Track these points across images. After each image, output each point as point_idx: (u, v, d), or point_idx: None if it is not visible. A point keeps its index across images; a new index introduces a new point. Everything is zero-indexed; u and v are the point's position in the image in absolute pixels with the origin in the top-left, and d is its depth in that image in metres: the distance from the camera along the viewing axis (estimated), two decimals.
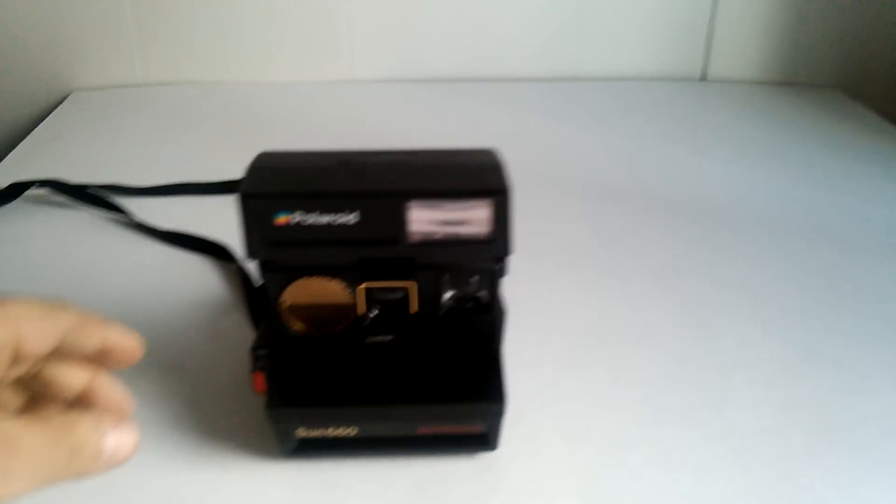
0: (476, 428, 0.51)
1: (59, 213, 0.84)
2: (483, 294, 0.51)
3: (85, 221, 0.82)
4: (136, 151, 0.99)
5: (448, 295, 0.51)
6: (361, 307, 0.50)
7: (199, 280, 0.73)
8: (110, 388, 0.42)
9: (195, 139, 1.03)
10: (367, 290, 0.49)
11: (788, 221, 0.86)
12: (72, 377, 0.40)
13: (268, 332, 0.51)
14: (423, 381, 0.50)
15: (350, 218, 0.44)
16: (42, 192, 0.85)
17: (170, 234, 0.78)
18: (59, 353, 0.39)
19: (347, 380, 0.50)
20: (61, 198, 0.84)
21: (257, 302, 0.67)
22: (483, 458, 0.53)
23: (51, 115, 1.12)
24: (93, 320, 0.40)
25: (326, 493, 0.50)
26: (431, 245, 0.46)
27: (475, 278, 0.51)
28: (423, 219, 0.45)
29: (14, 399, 0.41)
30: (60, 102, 1.17)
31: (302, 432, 0.50)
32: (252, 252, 0.45)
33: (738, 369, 0.62)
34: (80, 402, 0.41)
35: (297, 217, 0.44)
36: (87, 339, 0.39)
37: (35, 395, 0.41)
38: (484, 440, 0.52)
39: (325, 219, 0.44)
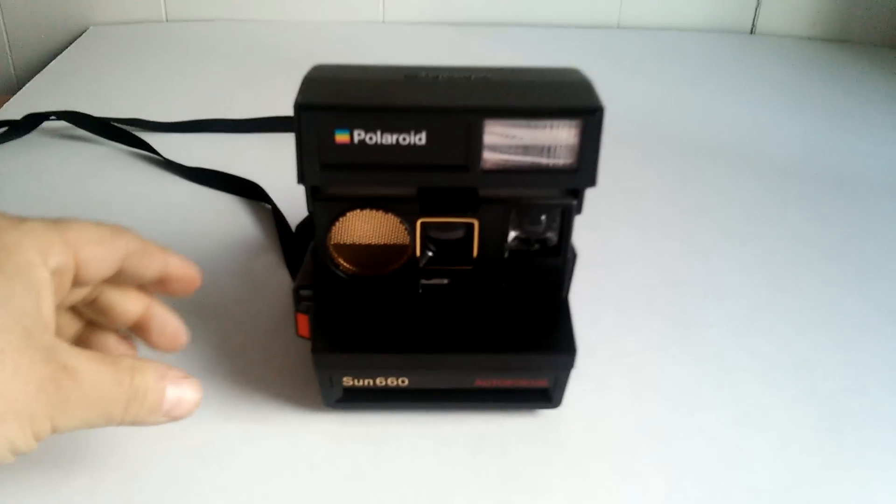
0: (540, 382, 0.47)
1: (78, 147, 0.78)
2: (551, 235, 0.46)
3: (106, 156, 0.77)
4: (158, 88, 0.94)
5: (512, 235, 0.46)
6: (417, 246, 0.45)
7: (228, 220, 0.68)
8: (165, 317, 0.42)
9: (219, 78, 0.97)
10: (424, 225, 0.44)
11: (855, 179, 0.80)
12: (129, 304, 0.40)
13: (313, 270, 0.46)
14: (483, 329, 0.45)
15: (416, 139, 0.39)
16: (61, 124, 0.80)
17: (197, 170, 0.73)
18: (118, 280, 0.39)
19: (399, 325, 0.45)
20: (81, 131, 0.79)
21: (292, 244, 0.62)
22: (545, 416, 0.49)
23: (67, 50, 1.06)
24: (153, 247, 0.39)
25: (373, 448, 0.46)
26: (504, 174, 0.41)
27: (543, 216, 0.46)
28: (500, 142, 0.39)
29: (71, 325, 0.41)
30: (78, 37, 1.11)
31: (348, 380, 0.46)
32: (305, 175, 0.40)
33: (815, 327, 0.57)
34: (136, 328, 0.41)
35: (358, 135, 0.39)
36: (147, 265, 0.39)
37: (91, 321, 0.41)
38: (546, 396, 0.47)
39: (388, 138, 0.39)
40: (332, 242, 0.45)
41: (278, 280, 0.59)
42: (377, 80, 0.41)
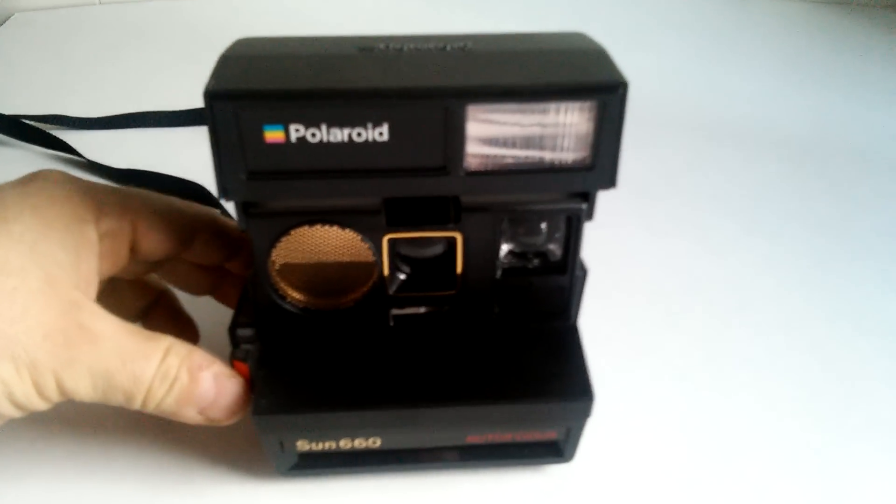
0: (548, 434, 0.37)
1: None
2: (553, 248, 0.37)
3: (21, 160, 0.66)
4: (84, 79, 0.82)
5: (505, 249, 0.37)
6: (385, 268, 0.35)
7: None
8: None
9: (156, 65, 0.85)
10: (393, 242, 0.34)
11: (874, 153, 0.71)
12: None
13: (253, 304, 0.36)
14: (473, 371, 0.35)
15: (376, 134, 0.29)
16: None
17: (128, 172, 0.62)
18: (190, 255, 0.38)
19: (366, 371, 0.35)
20: None
21: None
22: (554, 472, 0.39)
23: None
24: (230, 226, 0.39)
25: None
26: (495, 176, 0.31)
27: (543, 225, 0.36)
28: (489, 133, 0.29)
29: (136, 301, 0.41)
30: (0, 25, 0.99)
31: (304, 444, 0.36)
32: (228, 188, 0.30)
33: (866, 336, 0.48)
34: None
35: (295, 131, 0.28)
36: (220, 245, 0.39)
37: (153, 301, 0.42)
38: (556, 449, 0.38)
39: (338, 135, 0.28)
40: (277, 268, 0.35)
41: (225, 308, 0.48)
42: (320, 56, 0.31)
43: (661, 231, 0.58)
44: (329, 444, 0.36)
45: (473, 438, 0.37)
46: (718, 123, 0.75)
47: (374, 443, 0.36)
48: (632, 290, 0.51)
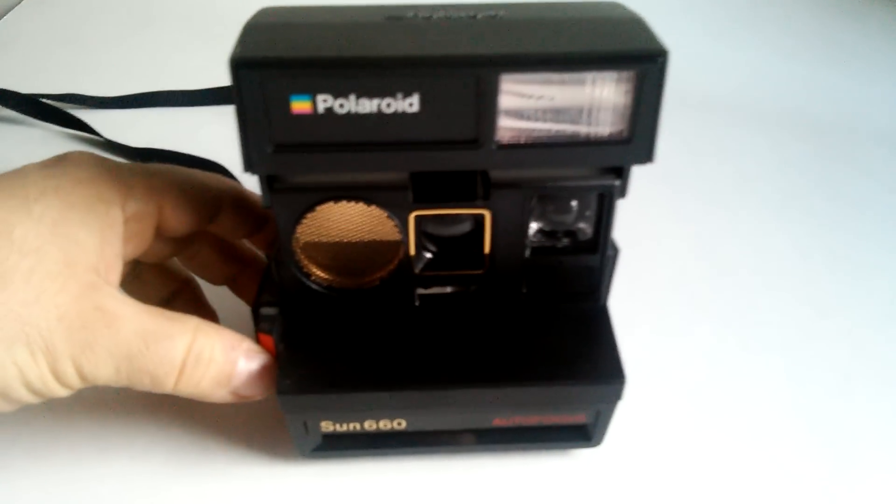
0: (577, 417, 0.36)
1: (5, 129, 0.66)
2: (583, 226, 0.36)
3: (37, 139, 0.65)
4: (99, 58, 0.81)
5: (534, 228, 0.36)
6: (411, 246, 0.34)
7: None
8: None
9: (171, 43, 0.84)
10: (420, 219, 0.34)
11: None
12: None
13: (277, 282, 0.35)
14: (501, 353, 0.35)
15: (406, 105, 0.28)
16: None
17: (145, 151, 0.61)
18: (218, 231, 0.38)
19: (392, 351, 0.34)
20: (6, 111, 0.67)
21: None
22: (581, 457, 0.38)
23: (2, 20, 0.94)
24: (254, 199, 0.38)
25: None
26: (526, 149, 0.30)
27: (574, 202, 0.35)
28: (522, 105, 0.28)
29: (160, 289, 0.40)
30: (17, 5, 0.98)
31: (328, 425, 0.35)
32: (253, 161, 0.29)
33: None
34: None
35: (323, 101, 0.27)
36: (245, 219, 0.38)
37: (177, 290, 0.41)
38: (584, 433, 0.37)
39: (367, 105, 0.27)
40: (301, 245, 0.34)
41: (241, 304, 0.48)
42: (348, 25, 0.29)
43: (687, 210, 0.57)
44: (353, 426, 0.35)
45: (500, 421, 0.36)
46: (742, 105, 0.73)
47: (399, 424, 0.35)
48: (658, 272, 0.50)
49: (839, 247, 0.53)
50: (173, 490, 0.36)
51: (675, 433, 0.40)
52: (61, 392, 0.30)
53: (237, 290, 0.42)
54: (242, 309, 0.39)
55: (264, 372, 0.33)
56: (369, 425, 0.35)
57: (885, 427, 0.40)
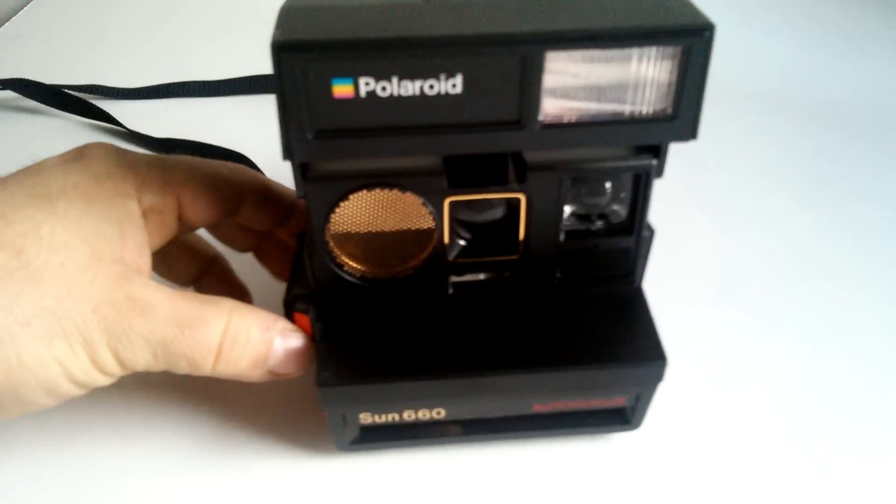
0: (617, 401, 0.36)
1: (28, 120, 0.66)
2: (617, 208, 0.35)
3: (61, 129, 0.65)
4: (121, 49, 0.81)
5: (567, 211, 0.35)
6: (445, 234, 0.34)
7: None
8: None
9: (192, 33, 0.84)
10: (454, 206, 0.33)
11: None
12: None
13: (311, 273, 0.34)
14: (539, 338, 0.34)
15: (449, 85, 0.27)
16: (7, 94, 0.68)
17: (169, 142, 0.61)
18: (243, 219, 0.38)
19: (428, 340, 0.34)
20: (31, 102, 0.67)
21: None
22: (619, 441, 0.38)
23: (23, 10, 0.93)
24: (279, 190, 0.39)
25: (403, 498, 0.35)
26: (568, 129, 0.29)
27: (609, 184, 0.34)
28: (566, 83, 0.28)
29: (189, 268, 0.41)
30: None
31: (367, 417, 0.35)
32: (293, 148, 0.28)
33: None
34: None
35: (365, 85, 0.27)
36: (268, 210, 0.38)
37: (206, 268, 0.41)
38: (623, 417, 0.37)
39: (410, 87, 0.27)
40: (333, 235, 0.34)
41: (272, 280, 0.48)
42: (386, 6, 0.29)
43: (713, 200, 0.56)
44: (392, 416, 0.35)
45: (539, 407, 0.36)
46: (770, 93, 0.72)
47: (438, 413, 0.35)
48: (686, 262, 0.50)
49: (867, 236, 0.52)
50: (200, 478, 0.36)
51: (712, 417, 0.39)
52: (103, 381, 0.30)
53: (263, 258, 0.42)
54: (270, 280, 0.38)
55: (301, 350, 0.33)
56: (408, 416, 0.35)
57: None
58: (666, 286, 0.45)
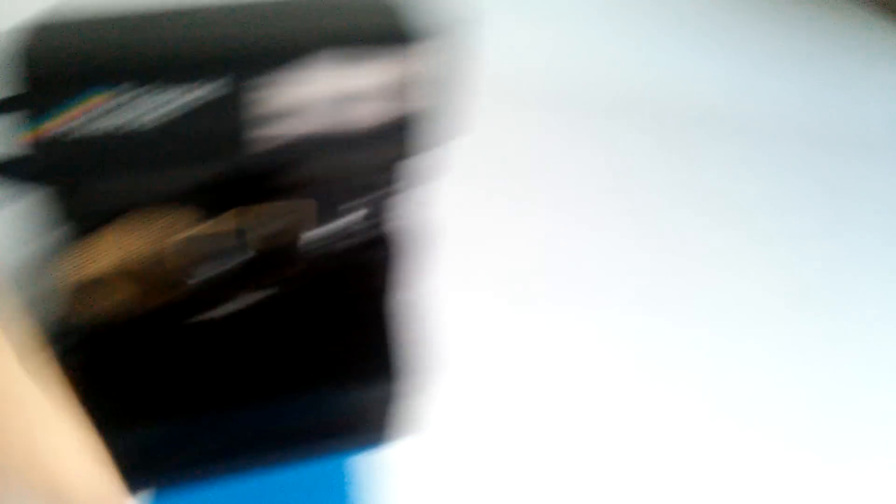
0: (368, 415, 0.36)
1: None
2: (366, 225, 0.35)
3: None
4: None
5: (312, 233, 0.35)
6: (177, 264, 0.33)
7: None
8: None
9: None
10: (187, 238, 0.33)
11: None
12: None
13: (57, 324, 0.34)
14: (291, 360, 0.34)
15: (161, 114, 0.27)
16: None
17: None
18: None
19: (176, 379, 0.34)
20: None
21: None
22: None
23: None
24: None
25: None
26: (296, 148, 0.29)
27: (355, 200, 0.35)
28: (282, 103, 0.28)
29: None
30: None
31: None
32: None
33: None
34: None
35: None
36: None
37: None
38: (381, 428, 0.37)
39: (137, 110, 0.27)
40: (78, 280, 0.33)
41: None
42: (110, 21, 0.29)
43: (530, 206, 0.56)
44: None
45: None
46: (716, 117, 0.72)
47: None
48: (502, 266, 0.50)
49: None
50: None
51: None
52: None
53: None
54: None
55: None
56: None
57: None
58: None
